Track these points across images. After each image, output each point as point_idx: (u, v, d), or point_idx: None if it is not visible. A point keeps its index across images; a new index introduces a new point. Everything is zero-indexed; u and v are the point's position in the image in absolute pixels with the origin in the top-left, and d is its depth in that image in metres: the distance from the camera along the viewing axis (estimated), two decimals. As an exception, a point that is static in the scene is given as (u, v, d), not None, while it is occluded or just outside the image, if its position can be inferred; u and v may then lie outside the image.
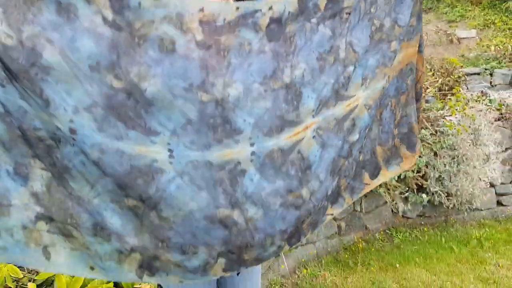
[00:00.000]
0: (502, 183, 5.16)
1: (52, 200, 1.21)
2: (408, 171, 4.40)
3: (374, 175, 1.78)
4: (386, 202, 4.65)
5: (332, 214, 1.67)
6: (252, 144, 1.32)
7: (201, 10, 1.24)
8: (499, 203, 5.23)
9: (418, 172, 4.60)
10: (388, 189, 4.50)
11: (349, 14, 1.46)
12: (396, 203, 4.66)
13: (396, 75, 1.72)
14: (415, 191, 4.64)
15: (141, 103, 1.18)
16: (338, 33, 1.45)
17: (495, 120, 5.40)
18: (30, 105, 1.12)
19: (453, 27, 8.11)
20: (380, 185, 4.36)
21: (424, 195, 4.57)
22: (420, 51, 1.76)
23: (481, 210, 5.09)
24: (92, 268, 1.26)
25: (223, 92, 1.27)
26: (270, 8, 1.32)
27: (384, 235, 4.70)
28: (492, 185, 5.12)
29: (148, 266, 1.32)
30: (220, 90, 1.27)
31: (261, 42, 1.33)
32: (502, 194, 5.21)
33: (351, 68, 1.48)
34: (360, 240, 4.52)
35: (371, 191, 4.28)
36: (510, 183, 5.23)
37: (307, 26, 1.40)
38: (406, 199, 4.70)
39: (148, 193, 1.23)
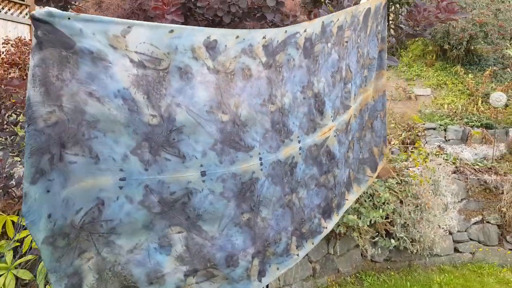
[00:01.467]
0: (458, 231, 5.59)
1: (192, 254, 1.42)
2: (379, 217, 4.71)
3: (374, 169, 2.37)
4: (357, 246, 4.92)
5: (347, 199, 2.15)
6: (299, 141, 1.73)
7: (264, 37, 1.57)
8: (456, 250, 5.64)
9: (386, 218, 4.93)
10: (360, 234, 4.78)
11: (347, 42, 1.96)
12: (365, 247, 4.94)
13: (381, 95, 2.39)
14: (384, 236, 4.95)
15: (240, 126, 1.47)
16: (341, 57, 1.94)
17: (452, 173, 5.91)
18: (168, 171, 1.32)
19: (411, 85, 8.88)
20: (353, 229, 4.64)
21: (392, 240, 4.88)
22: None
23: (441, 256, 5.47)
24: None
25: (281, 101, 1.64)
26: (305, 30, 1.73)
27: (355, 279, 4.93)
28: (450, 233, 5.53)
29: (263, 269, 1.62)
30: (280, 99, 1.63)
31: (300, 58, 1.72)
32: (458, 241, 5.63)
33: (349, 85, 2.02)
34: (333, 282, 4.72)
35: (345, 234, 4.56)
36: (465, 231, 5.67)
37: (325, 49, 1.85)
38: (375, 244, 4.99)
39: (254, 201, 1.54)
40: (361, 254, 5.14)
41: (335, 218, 2.03)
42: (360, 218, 4.55)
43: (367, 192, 4.72)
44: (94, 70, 1.17)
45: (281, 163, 1.63)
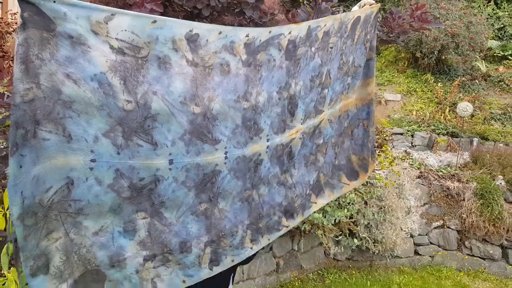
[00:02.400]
0: (419, 234, 5.73)
1: (152, 241, 1.48)
2: (343, 216, 4.77)
3: (352, 177, 2.33)
4: (321, 244, 4.97)
5: (316, 203, 2.12)
6: (267, 140, 1.74)
7: (247, 35, 1.57)
8: (416, 252, 5.79)
9: (350, 218, 5.00)
10: (324, 232, 4.83)
11: (332, 48, 1.94)
12: (329, 246, 5.00)
13: (366, 103, 2.35)
14: (347, 235, 5.02)
15: (210, 120, 1.49)
16: (324, 62, 1.93)
17: (416, 178, 6.06)
18: (140, 157, 1.36)
19: (382, 90, 9.04)
20: (318, 227, 4.68)
21: (355, 240, 4.96)
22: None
23: (401, 257, 5.60)
24: (184, 281, 1.58)
25: (256, 99, 1.64)
26: (290, 32, 1.73)
27: (317, 276, 4.99)
28: (411, 236, 5.67)
29: (215, 258, 1.64)
30: (255, 97, 1.62)
31: (281, 59, 1.72)
32: (419, 244, 5.78)
33: (325, 90, 2.01)
34: (296, 278, 4.75)
35: (310, 231, 4.59)
36: (426, 234, 5.82)
37: (309, 52, 1.84)
38: (338, 242, 5.06)
39: (213, 192, 1.58)
40: (324, 252, 5.20)
41: (299, 218, 2.01)
42: (325, 217, 4.60)
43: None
44: (73, 54, 1.18)
45: (246, 159, 1.65)
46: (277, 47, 1.67)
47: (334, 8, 2.66)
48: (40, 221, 1.21)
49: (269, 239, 1.86)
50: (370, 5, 2.15)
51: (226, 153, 1.56)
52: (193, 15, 2.34)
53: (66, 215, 1.28)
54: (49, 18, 1.13)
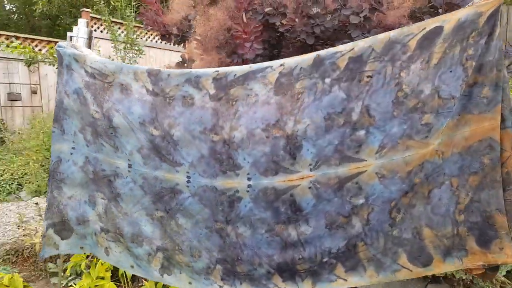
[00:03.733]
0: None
1: (107, 218, 1.90)
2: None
3: (418, 261, 1.59)
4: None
5: (345, 280, 1.65)
6: (249, 179, 1.63)
7: (216, 71, 1.64)
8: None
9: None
10: (493, 284, 3.26)
11: (371, 77, 1.51)
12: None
13: (459, 152, 1.50)
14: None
15: (171, 144, 1.67)
16: (354, 96, 1.53)
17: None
18: (103, 153, 1.83)
19: None
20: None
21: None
22: (505, 127, 1.44)
23: None
24: (132, 266, 1.91)
25: (229, 134, 1.61)
26: (282, 64, 1.58)
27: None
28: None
29: (168, 266, 1.82)
30: (228, 132, 1.61)
31: (268, 94, 1.60)
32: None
33: (361, 132, 1.54)
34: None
35: (472, 282, 3.25)
36: None
37: (319, 85, 1.55)
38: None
39: (171, 205, 1.74)
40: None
41: (304, 287, 1.68)
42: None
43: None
44: (67, 75, 1.83)
45: (217, 191, 1.65)
46: (261, 81, 1.58)
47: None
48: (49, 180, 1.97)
49: None
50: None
51: (188, 177, 1.68)
52: (307, 44, 2.27)
53: (53, 180, 1.94)
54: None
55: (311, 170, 1.59)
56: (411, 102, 1.50)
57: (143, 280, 3.19)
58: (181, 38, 2.76)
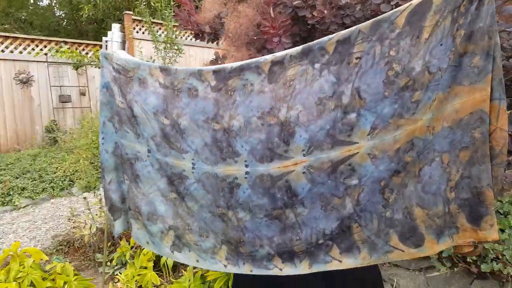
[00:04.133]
0: None
1: (129, 198, 2.09)
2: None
3: (409, 241, 1.56)
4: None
5: (340, 261, 1.65)
6: (246, 166, 1.68)
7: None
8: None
9: None
10: None
11: (360, 58, 1.47)
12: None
13: (449, 126, 1.45)
14: None
15: (178, 132, 1.80)
16: (344, 79, 1.50)
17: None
18: (126, 139, 2.02)
19: None
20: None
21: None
22: (493, 98, 1.38)
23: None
24: (147, 243, 2.07)
25: (229, 122, 1.68)
26: (274, 55, 1.62)
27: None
28: None
29: (178, 244, 1.95)
30: (227, 121, 1.69)
31: (262, 83, 1.64)
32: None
33: (352, 115, 1.49)
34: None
35: None
36: None
37: (309, 71, 1.54)
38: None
39: (180, 189, 1.88)
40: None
41: (302, 267, 1.69)
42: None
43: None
44: (101, 72, 2.06)
45: (218, 177, 1.73)
46: (255, 71, 1.62)
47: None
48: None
49: (251, 270, 1.77)
50: None
51: (193, 164, 1.80)
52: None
53: (102, 170, 2.13)
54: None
55: (304, 155, 1.59)
56: (402, 80, 1.42)
57: (183, 270, 3.31)
58: (214, 36, 2.80)
